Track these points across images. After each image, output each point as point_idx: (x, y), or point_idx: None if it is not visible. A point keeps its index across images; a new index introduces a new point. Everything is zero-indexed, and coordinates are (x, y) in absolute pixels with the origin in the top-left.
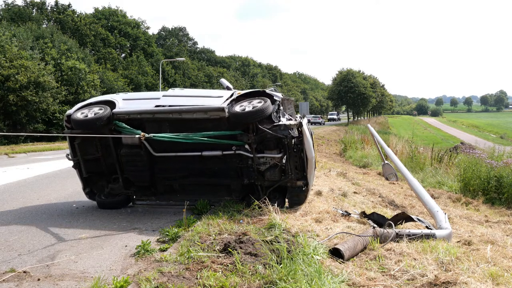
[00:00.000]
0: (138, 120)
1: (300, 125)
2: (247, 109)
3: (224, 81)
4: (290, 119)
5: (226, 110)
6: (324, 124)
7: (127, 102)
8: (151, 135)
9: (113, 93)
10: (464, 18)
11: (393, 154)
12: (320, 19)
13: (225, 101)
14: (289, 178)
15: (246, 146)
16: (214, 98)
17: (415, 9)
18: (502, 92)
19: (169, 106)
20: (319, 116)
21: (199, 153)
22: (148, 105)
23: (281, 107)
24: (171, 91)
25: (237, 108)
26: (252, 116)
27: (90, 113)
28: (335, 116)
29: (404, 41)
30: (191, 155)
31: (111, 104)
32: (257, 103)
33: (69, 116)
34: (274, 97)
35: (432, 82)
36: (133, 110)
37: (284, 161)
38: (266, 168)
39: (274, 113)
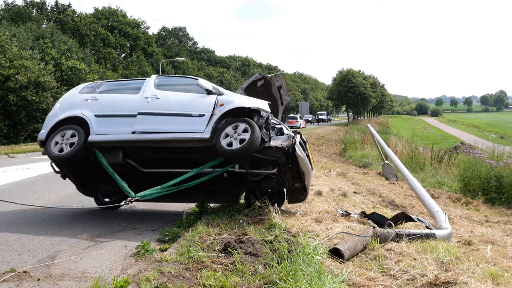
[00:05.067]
0: (117, 146)
1: (293, 148)
2: (234, 143)
3: (202, 83)
4: (280, 130)
5: (209, 138)
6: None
7: (100, 121)
8: (138, 196)
9: None
10: (464, 18)
11: (393, 154)
12: (320, 19)
13: (207, 124)
14: (287, 185)
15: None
16: (196, 119)
17: (415, 9)
18: (502, 92)
19: (148, 132)
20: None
21: (190, 170)
22: (125, 129)
23: (271, 116)
24: (153, 80)
25: (223, 142)
26: (242, 155)
27: (64, 142)
28: (324, 117)
29: (404, 41)
30: (182, 171)
31: (82, 123)
32: (243, 131)
33: (42, 141)
34: (262, 113)
35: (432, 82)
36: (110, 139)
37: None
38: (262, 179)
39: (264, 130)
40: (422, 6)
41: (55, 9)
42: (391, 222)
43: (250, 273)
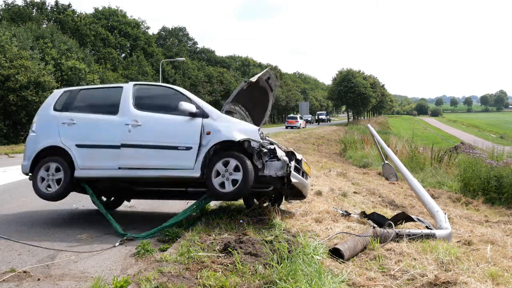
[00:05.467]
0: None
1: (288, 178)
2: (227, 184)
3: (185, 106)
4: (273, 152)
5: (199, 176)
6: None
7: (82, 153)
8: (133, 236)
9: None
10: (464, 18)
11: (393, 154)
12: (320, 19)
13: (196, 160)
14: (284, 194)
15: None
16: (183, 153)
17: (415, 9)
18: (502, 92)
19: (134, 168)
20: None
21: (184, 189)
22: (110, 163)
23: (263, 140)
24: (131, 95)
25: (215, 181)
26: (236, 196)
27: (50, 178)
28: (324, 117)
29: (404, 41)
30: (176, 190)
31: (65, 154)
32: (234, 169)
33: (27, 174)
34: (252, 144)
35: (432, 82)
36: (97, 175)
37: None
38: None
39: (256, 157)
40: (422, 6)
41: (55, 9)
42: (391, 222)
43: (250, 273)
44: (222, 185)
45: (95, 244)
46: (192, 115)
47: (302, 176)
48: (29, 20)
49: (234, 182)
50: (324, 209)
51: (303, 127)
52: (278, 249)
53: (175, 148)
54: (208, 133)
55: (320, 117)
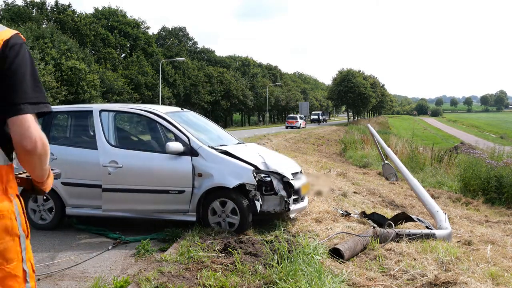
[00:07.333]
0: None
1: (288, 216)
2: (223, 225)
3: (172, 147)
4: (270, 185)
5: (196, 219)
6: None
7: (69, 191)
8: (128, 239)
9: (113, 93)
10: (464, 18)
11: (393, 154)
12: (320, 19)
13: (190, 202)
14: None
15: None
16: (176, 196)
17: (415, 9)
18: (502, 92)
19: (121, 210)
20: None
21: None
22: (98, 202)
23: (258, 173)
24: (105, 134)
25: (211, 219)
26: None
27: (42, 208)
28: (320, 117)
29: (404, 41)
30: None
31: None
32: (231, 211)
33: None
34: (248, 187)
35: (432, 82)
36: (87, 213)
37: None
38: None
39: (252, 193)
40: (422, 6)
41: (55, 9)
42: (391, 222)
43: (250, 273)
44: (219, 224)
45: (95, 244)
46: (180, 153)
47: (301, 200)
48: (29, 20)
49: (231, 224)
50: (324, 209)
51: (303, 127)
52: (278, 249)
53: (166, 192)
54: (200, 175)
55: (313, 117)
